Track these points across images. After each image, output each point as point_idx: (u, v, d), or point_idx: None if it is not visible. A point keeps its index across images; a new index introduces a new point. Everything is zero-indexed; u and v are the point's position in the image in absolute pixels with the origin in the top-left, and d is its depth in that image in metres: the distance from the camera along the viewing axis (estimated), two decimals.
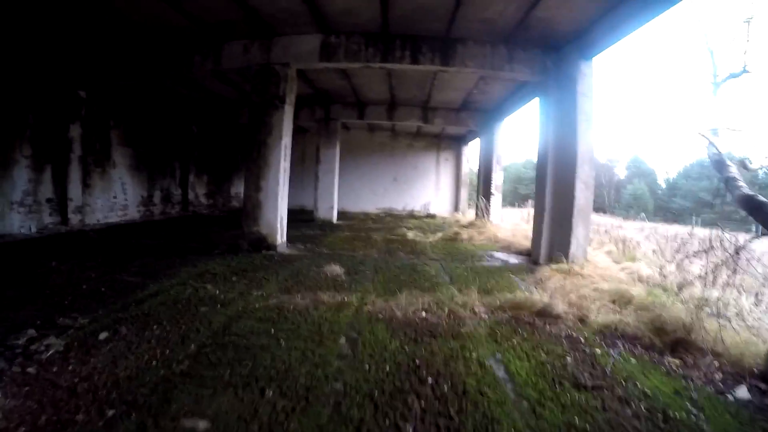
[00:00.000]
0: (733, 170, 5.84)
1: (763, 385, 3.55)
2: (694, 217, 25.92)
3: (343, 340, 4.09)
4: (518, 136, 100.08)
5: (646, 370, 3.76)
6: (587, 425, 2.83)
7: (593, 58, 8.17)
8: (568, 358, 3.92)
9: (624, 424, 2.87)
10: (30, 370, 3.25)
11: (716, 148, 6.01)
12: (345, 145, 19.01)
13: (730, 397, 3.38)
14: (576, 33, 7.84)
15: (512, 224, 14.93)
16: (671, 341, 4.30)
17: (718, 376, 3.71)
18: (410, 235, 12.59)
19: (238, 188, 20.28)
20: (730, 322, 4.50)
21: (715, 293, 5.14)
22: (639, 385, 3.44)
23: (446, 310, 5.05)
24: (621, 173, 60.66)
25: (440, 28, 8.12)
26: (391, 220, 18.39)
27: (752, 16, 6.78)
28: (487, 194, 15.80)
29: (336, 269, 7.12)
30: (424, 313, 4.95)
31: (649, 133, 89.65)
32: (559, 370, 3.66)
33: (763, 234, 5.11)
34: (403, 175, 22.38)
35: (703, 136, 6.14)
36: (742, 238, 5.28)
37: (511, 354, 3.94)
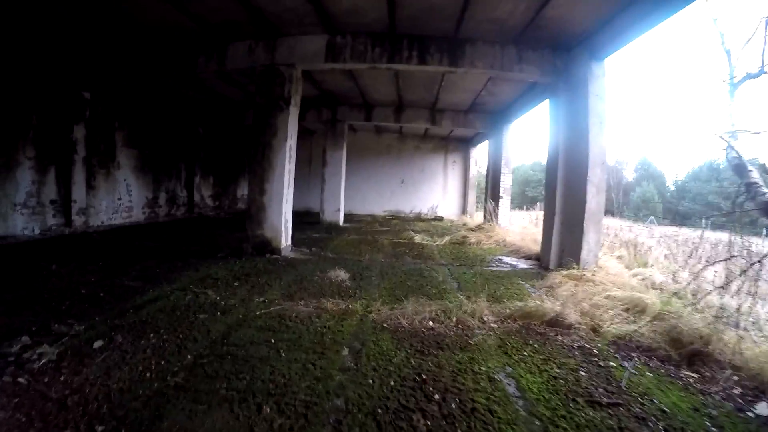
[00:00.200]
0: (755, 175, 5.63)
1: None
2: (704, 220, 25.65)
3: (346, 351, 3.93)
4: (526, 138, 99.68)
5: (663, 384, 3.59)
6: None
7: (605, 59, 7.98)
8: (582, 372, 3.74)
9: None
10: (21, 380, 3.11)
11: (736, 152, 5.80)
12: (352, 147, 18.90)
13: (750, 414, 3.20)
14: (587, 33, 7.65)
15: (520, 228, 14.71)
16: (688, 353, 4.11)
17: (737, 391, 3.53)
18: (417, 238, 12.40)
19: (245, 190, 20.19)
20: (748, 332, 4.32)
21: (731, 302, 4.96)
22: (656, 402, 3.27)
23: (454, 319, 4.88)
24: (629, 175, 60.26)
25: (448, 28, 7.95)
26: (398, 222, 18.20)
27: None
28: (495, 197, 15.61)
29: (341, 274, 6.97)
30: (431, 323, 4.78)
31: (658, 135, 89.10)
32: (572, 385, 3.49)
33: None
34: (411, 177, 22.21)
35: (722, 139, 5.93)
36: (755, 241, 5.09)
37: (521, 367, 3.77)
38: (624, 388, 3.47)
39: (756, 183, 5.51)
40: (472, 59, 8.32)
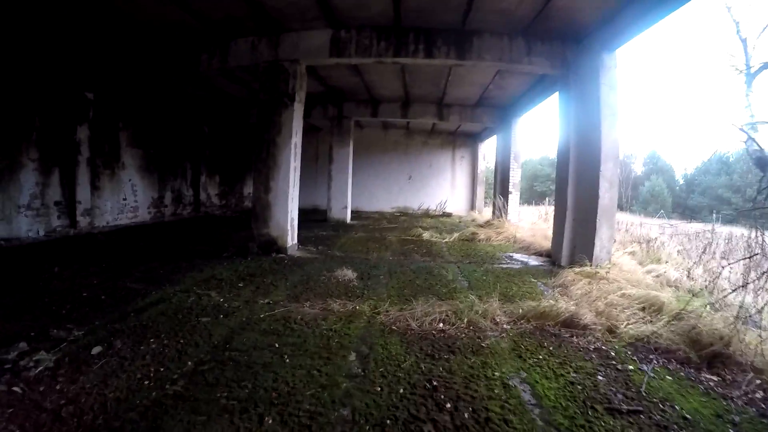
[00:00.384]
0: None
1: None
2: (714, 214, 25.34)
3: (353, 356, 3.77)
4: (534, 132, 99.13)
5: (683, 389, 3.43)
6: None
7: (616, 50, 7.77)
8: (600, 377, 3.58)
9: None
10: (16, 388, 2.99)
11: (758, 145, 5.61)
12: (358, 143, 18.74)
13: None
14: (598, 23, 7.45)
15: (530, 223, 14.54)
16: (708, 355, 3.95)
17: (760, 395, 3.38)
18: (426, 235, 12.25)
19: (251, 188, 20.06)
20: None
21: (748, 299, 4.78)
22: (677, 408, 3.12)
23: (465, 320, 4.71)
24: (638, 169, 59.86)
25: (455, 20, 7.77)
26: (407, 219, 18.02)
27: None
28: (504, 192, 15.39)
29: (348, 274, 6.82)
30: (441, 324, 4.61)
31: (667, 127, 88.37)
32: (590, 391, 3.33)
33: None
34: (419, 173, 22.01)
35: (742, 131, 5.74)
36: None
37: (537, 372, 3.60)
38: (644, 394, 3.31)
39: None
40: (480, 52, 8.14)
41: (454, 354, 3.89)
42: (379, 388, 3.20)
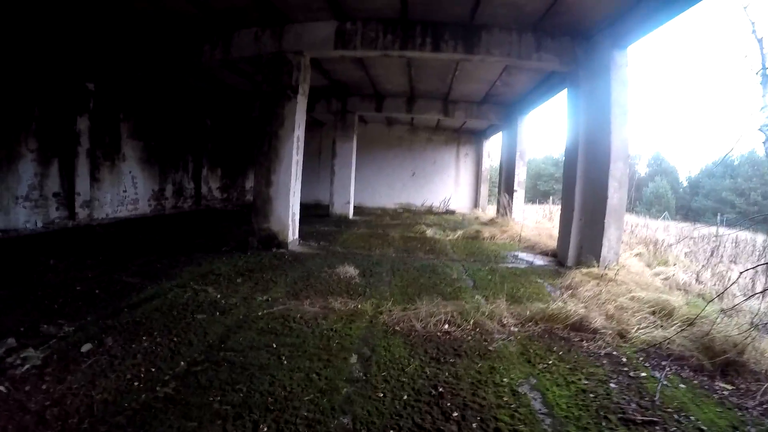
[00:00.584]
0: None
1: None
2: (719, 217, 25.19)
3: (354, 358, 3.60)
4: (537, 131, 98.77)
5: (698, 398, 3.27)
6: None
7: (628, 48, 7.61)
8: (612, 384, 3.42)
9: None
10: (1, 388, 2.83)
11: None
12: (362, 138, 18.56)
13: None
14: (609, 20, 7.27)
15: (534, 222, 14.38)
16: (721, 363, 3.79)
17: None
18: (429, 232, 12.08)
19: (253, 182, 19.96)
20: None
21: (759, 305, 4.64)
22: (692, 419, 2.95)
23: (471, 321, 4.54)
24: (642, 170, 59.59)
25: (463, 13, 7.59)
26: (409, 216, 17.85)
27: None
28: (509, 190, 15.22)
29: (350, 270, 6.66)
30: (446, 326, 4.43)
31: (673, 129, 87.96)
32: (603, 399, 3.16)
33: None
34: (422, 170, 21.83)
35: (761, 131, 5.55)
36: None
37: (547, 378, 3.43)
38: (658, 403, 3.15)
39: None
40: (488, 47, 7.97)
41: (461, 357, 3.72)
42: (381, 394, 3.03)
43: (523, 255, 9.26)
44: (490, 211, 19.43)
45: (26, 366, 3.13)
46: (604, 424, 2.83)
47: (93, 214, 10.89)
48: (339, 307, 4.90)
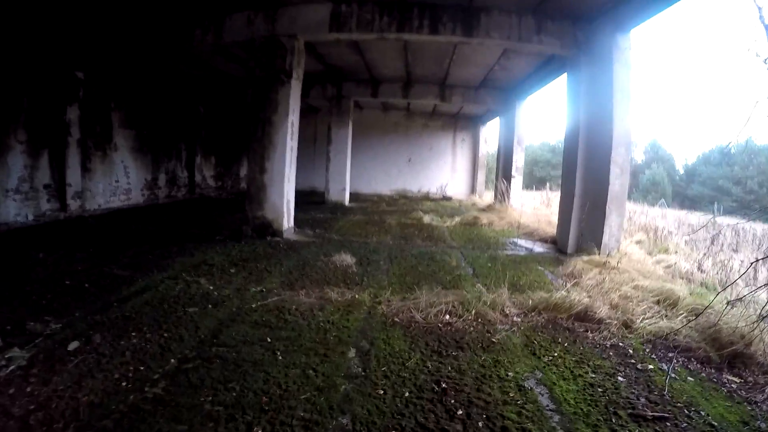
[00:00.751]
0: None
1: None
2: (716, 204, 25.14)
3: (352, 352, 3.46)
4: (534, 117, 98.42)
5: (706, 392, 3.18)
6: None
7: (631, 31, 7.44)
8: (620, 377, 3.31)
9: None
10: None
11: None
12: (358, 124, 18.37)
13: None
14: (612, 2, 7.10)
15: (532, 208, 14.26)
16: (728, 355, 3.72)
17: None
18: (426, 219, 11.92)
19: (247, 169, 19.76)
20: None
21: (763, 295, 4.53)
22: (702, 414, 2.86)
23: (473, 312, 4.40)
24: (638, 157, 59.49)
25: None
26: (406, 202, 17.71)
27: None
28: (507, 176, 15.06)
29: (346, 259, 6.52)
30: (447, 317, 4.30)
31: (670, 116, 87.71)
32: (611, 393, 3.05)
33: None
34: (418, 156, 21.66)
35: None
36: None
37: (553, 372, 3.31)
38: (667, 397, 3.05)
39: None
40: (488, 29, 7.78)
41: (463, 350, 3.59)
42: (381, 391, 2.89)
43: (522, 242, 9.14)
44: (487, 197, 19.33)
45: (11, 367, 2.98)
46: (614, 420, 2.72)
47: (85, 205, 10.70)
48: (336, 297, 4.76)
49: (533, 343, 3.82)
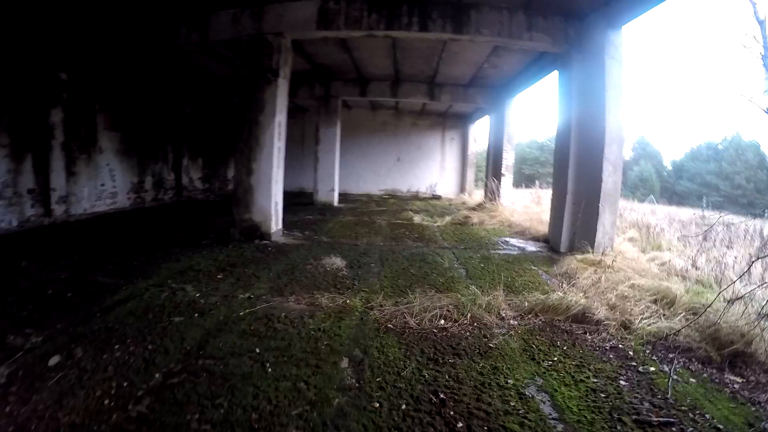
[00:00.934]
0: None
1: None
2: (705, 200, 25.28)
3: (345, 362, 3.32)
4: (522, 115, 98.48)
5: (710, 393, 3.11)
6: None
7: (622, 27, 7.39)
8: (622, 381, 3.22)
9: None
10: None
11: None
12: (346, 124, 18.28)
13: None
14: None
15: (523, 206, 14.18)
16: (729, 354, 3.65)
17: None
18: (417, 219, 11.83)
19: (233, 171, 19.53)
20: None
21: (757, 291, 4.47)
22: (708, 417, 2.78)
23: (468, 315, 4.29)
24: (626, 154, 59.87)
25: None
26: (396, 202, 17.62)
27: None
28: (497, 175, 14.98)
29: (336, 262, 6.40)
30: (442, 321, 4.18)
31: (657, 112, 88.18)
32: (614, 399, 2.95)
33: None
34: (407, 155, 21.58)
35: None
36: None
37: (554, 378, 3.20)
38: (671, 401, 2.96)
39: None
40: (478, 26, 7.67)
41: (460, 357, 3.47)
42: (377, 404, 2.76)
43: (514, 241, 9.06)
44: (476, 195, 19.25)
45: None
46: (619, 427, 2.63)
47: (70, 210, 10.47)
48: (326, 303, 4.63)
49: (531, 347, 3.72)
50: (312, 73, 13.73)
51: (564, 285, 5.38)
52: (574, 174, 7.83)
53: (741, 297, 4.35)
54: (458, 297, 4.69)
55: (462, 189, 21.44)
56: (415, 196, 20.56)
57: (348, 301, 4.70)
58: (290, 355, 3.38)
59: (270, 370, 3.15)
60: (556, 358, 3.51)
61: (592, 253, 7.01)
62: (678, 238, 9.30)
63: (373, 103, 19.38)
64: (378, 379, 3.07)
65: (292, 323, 4.04)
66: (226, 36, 8.20)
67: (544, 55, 10.14)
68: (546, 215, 9.57)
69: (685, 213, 15.97)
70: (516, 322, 4.28)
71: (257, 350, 3.45)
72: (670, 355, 3.67)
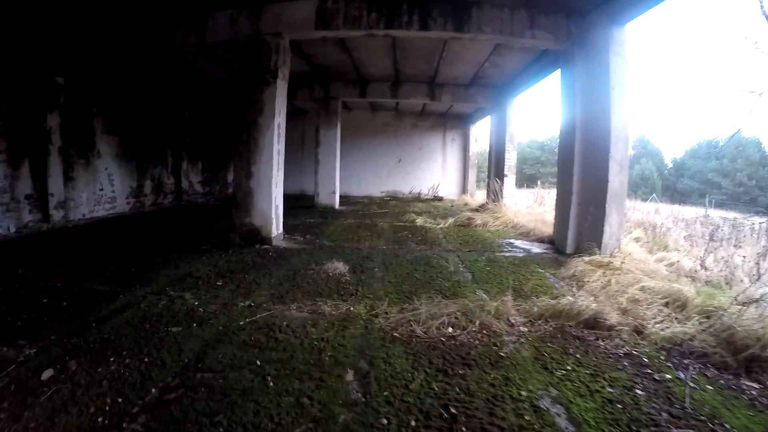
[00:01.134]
0: None
1: None
2: (707, 198, 25.18)
3: (350, 375, 3.17)
4: (521, 114, 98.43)
5: (728, 401, 2.99)
6: None
7: (626, 24, 7.27)
8: (638, 390, 3.08)
9: None
10: None
11: None
12: (346, 126, 18.16)
13: None
14: None
15: (526, 207, 14.04)
16: (745, 359, 3.53)
17: None
18: (419, 221, 11.69)
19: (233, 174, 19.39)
20: None
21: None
22: (727, 426, 2.68)
23: (477, 322, 4.14)
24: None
25: None
26: (397, 204, 17.45)
27: None
28: (499, 175, 14.85)
29: (339, 266, 6.25)
30: (450, 329, 4.02)
31: (658, 110, 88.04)
32: (632, 409, 2.82)
33: None
34: (408, 156, 21.45)
35: None
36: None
37: (568, 388, 3.06)
38: (690, 410, 2.84)
39: None
40: (480, 24, 7.54)
41: (470, 368, 3.32)
42: (385, 421, 2.61)
43: (518, 242, 8.91)
44: (478, 196, 19.12)
45: None
46: None
47: (68, 215, 10.35)
48: (329, 310, 4.48)
49: (543, 355, 3.57)
50: (311, 75, 13.60)
51: (573, 288, 5.25)
52: (580, 174, 7.70)
53: (758, 300, 4.23)
54: (466, 303, 4.54)
55: (464, 190, 21.31)
56: (417, 198, 20.40)
57: (352, 309, 4.56)
58: (292, 368, 3.24)
59: (271, 384, 3.00)
60: (569, 367, 3.37)
61: (600, 254, 6.87)
62: (684, 238, 9.18)
63: (373, 105, 19.24)
64: (385, 393, 2.93)
65: (294, 333, 3.90)
66: (223, 37, 8.07)
67: (545, 53, 10.02)
68: (549, 216, 9.43)
69: (689, 212, 15.86)
70: (526, 329, 4.13)
71: (258, 362, 3.31)
72: (685, 361, 3.54)
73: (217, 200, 17.78)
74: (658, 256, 7.29)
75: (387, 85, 14.54)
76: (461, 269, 6.51)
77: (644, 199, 22.12)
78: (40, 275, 5.68)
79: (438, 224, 11.28)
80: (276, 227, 8.12)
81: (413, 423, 2.60)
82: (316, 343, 3.70)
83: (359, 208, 15.56)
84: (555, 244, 8.41)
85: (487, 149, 17.24)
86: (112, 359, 3.30)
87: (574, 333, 4.07)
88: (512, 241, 9.10)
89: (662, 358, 3.63)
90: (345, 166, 18.23)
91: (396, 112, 20.89)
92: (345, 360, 3.40)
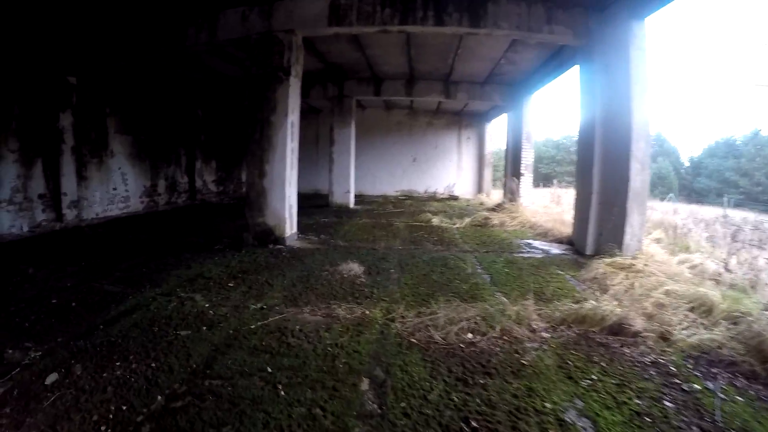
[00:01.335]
0: None
1: None
2: (726, 198, 24.71)
3: (365, 384, 3.02)
4: (536, 112, 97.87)
5: (759, 414, 2.83)
6: None
7: (645, 18, 7.03)
8: (667, 402, 2.92)
9: None
10: None
11: None
12: (360, 125, 18.05)
13: None
14: None
15: (543, 206, 13.81)
16: None
17: None
18: (435, 220, 11.53)
19: (246, 173, 19.34)
20: None
21: None
22: None
23: (497, 328, 3.97)
24: None
25: None
26: (412, 203, 17.29)
27: None
28: (516, 174, 14.64)
29: (354, 268, 6.12)
30: (470, 335, 3.86)
31: (674, 108, 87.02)
32: (661, 423, 2.67)
33: None
34: (423, 155, 21.24)
35: None
36: None
37: (594, 399, 2.89)
38: (720, 424, 2.68)
39: None
40: (496, 19, 7.37)
41: (491, 377, 3.16)
42: None
43: (537, 243, 8.71)
44: (495, 195, 18.92)
45: None
46: None
47: (81, 214, 10.33)
48: (344, 314, 4.34)
49: (567, 363, 3.40)
50: (324, 73, 13.50)
51: (596, 292, 5.07)
52: (600, 173, 7.49)
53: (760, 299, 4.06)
54: (485, 307, 4.37)
55: (480, 189, 21.08)
56: (432, 197, 20.23)
57: (367, 312, 4.42)
58: (305, 375, 3.10)
59: (282, 393, 2.87)
60: (594, 377, 3.20)
61: (621, 255, 6.66)
62: (706, 239, 8.94)
63: (387, 103, 19.13)
64: (402, 404, 2.77)
65: (307, 338, 3.76)
66: (235, 35, 7.98)
67: (563, 49, 9.81)
68: (567, 215, 9.23)
69: (707, 211, 15.54)
70: (548, 335, 3.95)
71: (269, 369, 3.18)
72: (713, 370, 3.38)
73: (231, 199, 17.75)
74: (680, 258, 7.07)
75: (401, 83, 14.37)
76: (479, 271, 6.35)
77: (661, 199, 21.76)
78: (50, 275, 5.62)
79: (454, 224, 11.13)
80: (290, 227, 8.01)
81: None
82: (329, 348, 3.56)
83: (374, 207, 15.45)
84: (574, 244, 8.21)
85: (503, 148, 17.03)
86: (118, 363, 3.20)
87: (599, 339, 3.90)
88: (530, 241, 8.91)
89: (690, 366, 3.46)
90: (359, 165, 18.13)
91: (410, 110, 20.72)
92: (360, 367, 3.26)
